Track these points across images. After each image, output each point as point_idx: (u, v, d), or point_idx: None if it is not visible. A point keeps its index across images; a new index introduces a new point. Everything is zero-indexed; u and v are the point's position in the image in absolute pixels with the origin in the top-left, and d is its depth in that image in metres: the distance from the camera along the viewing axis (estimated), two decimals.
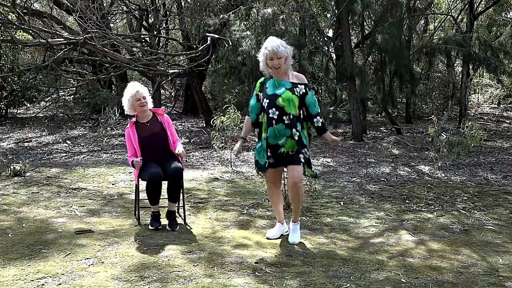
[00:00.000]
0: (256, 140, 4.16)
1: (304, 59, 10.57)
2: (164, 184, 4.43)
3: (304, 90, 3.98)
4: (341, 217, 4.93)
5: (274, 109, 3.91)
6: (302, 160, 3.96)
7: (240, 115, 7.34)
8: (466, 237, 4.37)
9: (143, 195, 4.48)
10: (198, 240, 4.10)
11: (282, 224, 4.29)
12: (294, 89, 3.95)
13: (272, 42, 3.94)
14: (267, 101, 3.96)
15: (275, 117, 3.92)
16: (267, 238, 4.17)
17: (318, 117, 4.01)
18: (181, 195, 4.62)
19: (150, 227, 4.37)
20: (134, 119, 4.52)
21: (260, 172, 4.18)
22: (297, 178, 3.94)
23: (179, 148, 4.46)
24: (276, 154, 3.99)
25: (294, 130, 3.92)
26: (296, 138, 3.92)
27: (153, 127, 4.48)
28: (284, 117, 3.91)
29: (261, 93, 4.05)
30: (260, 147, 4.03)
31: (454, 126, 11.24)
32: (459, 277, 3.44)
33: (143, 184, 4.40)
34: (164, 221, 4.54)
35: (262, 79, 4.14)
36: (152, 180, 4.27)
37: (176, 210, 4.91)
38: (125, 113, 4.60)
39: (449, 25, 14.76)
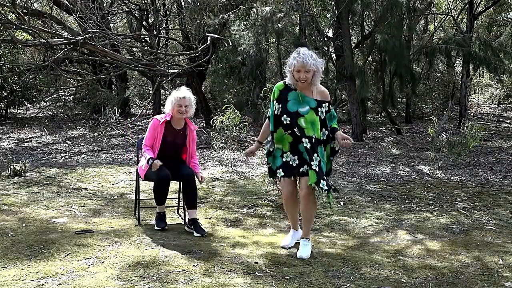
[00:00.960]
0: (268, 146, 3.91)
1: None
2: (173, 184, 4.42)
3: (327, 109, 3.75)
4: (341, 217, 4.93)
5: (296, 128, 3.67)
6: (324, 188, 3.63)
7: (239, 115, 7.34)
8: (466, 237, 4.37)
9: (143, 195, 4.48)
10: (198, 240, 4.10)
11: (297, 230, 4.04)
12: (318, 109, 3.70)
13: (300, 53, 3.63)
14: (288, 119, 3.68)
15: (299, 134, 3.67)
16: (282, 247, 3.95)
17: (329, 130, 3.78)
18: (181, 195, 4.63)
19: (156, 227, 4.36)
20: (169, 117, 4.43)
21: (273, 179, 4.02)
22: (309, 190, 3.72)
23: (202, 174, 4.52)
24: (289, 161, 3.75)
25: (313, 157, 3.62)
26: (317, 169, 3.60)
27: (177, 137, 4.45)
28: (303, 139, 3.64)
29: (278, 103, 3.76)
30: (274, 156, 3.84)
31: (454, 126, 11.24)
32: (458, 277, 3.45)
33: (143, 184, 4.40)
34: (168, 221, 4.55)
35: (281, 84, 3.82)
36: (160, 182, 4.27)
37: (176, 210, 4.92)
38: (164, 110, 4.55)
39: (449, 25, 14.76)
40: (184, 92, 4.45)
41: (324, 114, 3.74)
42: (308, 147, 3.65)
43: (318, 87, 3.76)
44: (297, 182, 3.94)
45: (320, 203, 5.39)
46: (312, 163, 3.63)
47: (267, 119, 3.97)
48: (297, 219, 4.06)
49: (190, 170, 4.39)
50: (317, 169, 3.62)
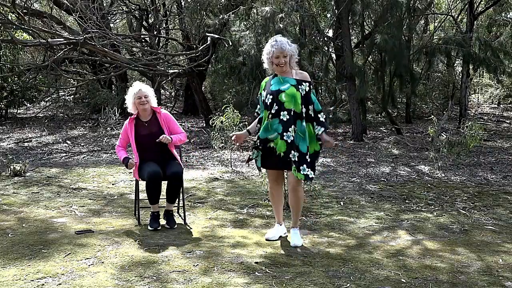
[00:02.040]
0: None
1: (304, 59, 10.57)
2: (164, 184, 4.44)
3: (308, 88, 3.93)
4: (341, 217, 4.93)
5: (275, 104, 3.86)
6: (294, 159, 3.82)
7: (239, 115, 7.34)
8: (466, 237, 4.37)
9: (143, 195, 4.49)
10: (198, 240, 4.10)
11: (281, 225, 4.26)
12: (299, 86, 3.89)
13: (278, 40, 3.90)
14: (271, 97, 3.89)
15: (273, 111, 3.86)
16: (266, 239, 4.16)
17: (322, 113, 3.98)
18: (180, 195, 4.64)
19: (149, 227, 4.38)
20: (135, 115, 4.54)
21: (259, 169, 4.22)
22: (295, 183, 3.93)
23: (169, 136, 4.44)
24: (265, 148, 3.94)
25: (289, 129, 3.82)
26: (289, 140, 3.82)
27: (151, 127, 4.51)
28: (281, 113, 3.83)
29: (265, 90, 4.01)
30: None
31: (454, 126, 11.23)
32: (458, 277, 3.45)
33: (143, 184, 4.40)
34: (163, 221, 4.55)
35: (267, 78, 4.11)
36: (151, 179, 4.28)
37: (176, 210, 4.92)
38: (128, 111, 4.62)
39: (449, 25, 14.75)
40: (137, 86, 4.56)
41: (305, 92, 3.92)
42: (285, 120, 3.83)
43: (297, 71, 4.01)
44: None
45: (320, 203, 5.39)
46: (285, 134, 3.83)
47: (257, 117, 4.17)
48: (281, 214, 4.29)
49: (180, 167, 4.43)
50: (288, 141, 3.83)
